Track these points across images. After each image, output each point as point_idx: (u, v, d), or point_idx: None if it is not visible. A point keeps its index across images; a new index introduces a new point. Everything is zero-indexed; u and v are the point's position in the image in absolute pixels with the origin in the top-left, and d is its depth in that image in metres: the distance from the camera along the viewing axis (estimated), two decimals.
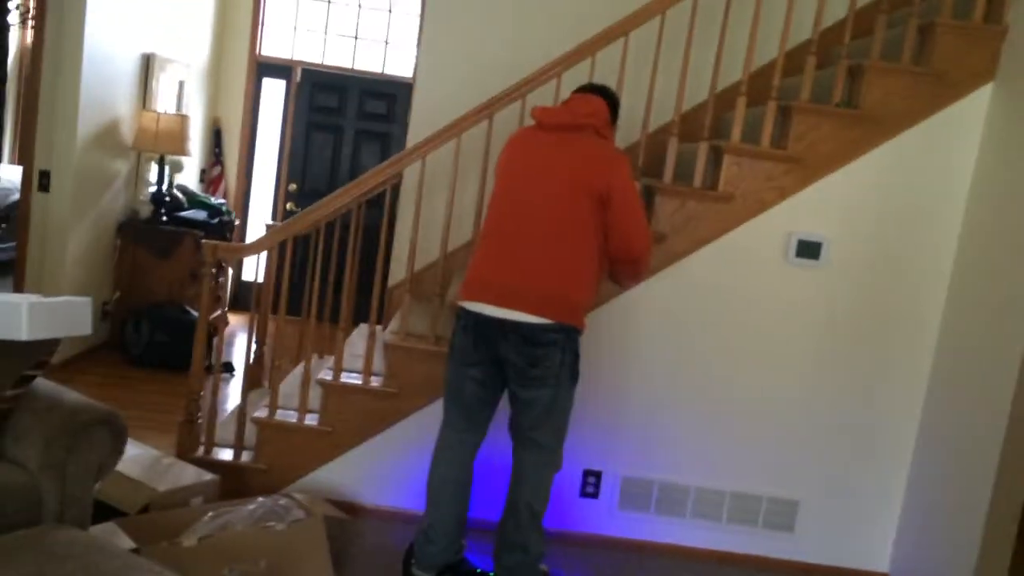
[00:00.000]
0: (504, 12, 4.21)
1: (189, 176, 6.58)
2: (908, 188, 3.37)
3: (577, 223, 2.79)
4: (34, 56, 4.55)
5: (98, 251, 5.12)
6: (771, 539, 3.55)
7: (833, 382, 3.48)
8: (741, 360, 3.46)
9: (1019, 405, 2.94)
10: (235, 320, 6.32)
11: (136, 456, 3.19)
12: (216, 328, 5.24)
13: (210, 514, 2.86)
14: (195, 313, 5.04)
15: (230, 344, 5.82)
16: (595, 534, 3.54)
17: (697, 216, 3.36)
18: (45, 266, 4.72)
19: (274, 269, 3.68)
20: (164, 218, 5.40)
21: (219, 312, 5.24)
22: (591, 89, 2.94)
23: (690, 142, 3.54)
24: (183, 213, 5.53)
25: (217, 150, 6.89)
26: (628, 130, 3.83)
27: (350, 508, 3.47)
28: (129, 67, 5.15)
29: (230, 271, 6.32)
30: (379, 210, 3.58)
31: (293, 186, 6.80)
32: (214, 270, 3.39)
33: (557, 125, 2.84)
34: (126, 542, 2.55)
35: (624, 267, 2.94)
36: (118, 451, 2.56)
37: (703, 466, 3.52)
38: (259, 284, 3.83)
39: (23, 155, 4.64)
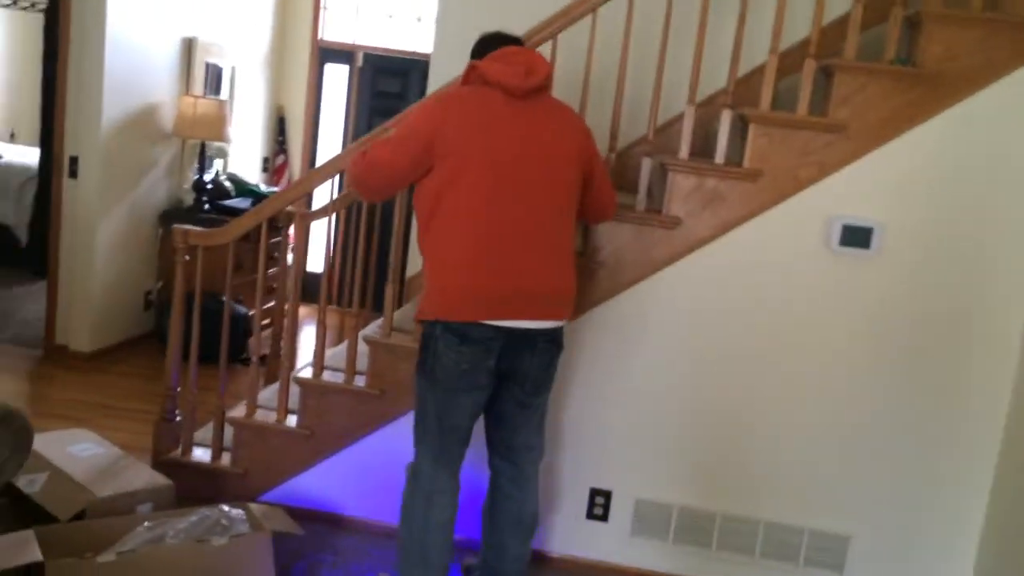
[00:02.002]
0: None
1: (252, 165, 6.48)
2: (980, 161, 2.76)
3: (572, 202, 2.49)
4: (60, 40, 4.47)
5: (138, 239, 5.03)
6: None
7: (891, 394, 2.90)
8: (776, 367, 2.93)
9: None
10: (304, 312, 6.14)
11: (94, 456, 2.98)
12: (248, 320, 5.08)
13: (146, 524, 2.60)
14: (234, 304, 4.89)
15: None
16: (602, 562, 3.10)
17: (719, 197, 2.86)
18: (76, 254, 4.65)
19: (264, 254, 3.40)
20: (206, 206, 5.27)
21: (271, 304, 5.05)
22: (515, 40, 2.58)
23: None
24: (228, 202, 5.38)
25: (281, 138, 6.77)
26: (637, 96, 3.37)
27: (331, 519, 3.17)
28: (168, 51, 5.02)
29: (289, 258, 6.17)
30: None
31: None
32: (187, 256, 3.14)
33: (529, 90, 2.41)
34: (33, 554, 2.31)
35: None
36: (21, 453, 2.33)
37: (732, 490, 3.02)
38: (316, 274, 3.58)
39: (47, 140, 4.58)
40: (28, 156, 6.90)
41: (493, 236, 2.36)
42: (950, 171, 2.77)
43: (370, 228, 3.47)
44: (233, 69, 5.83)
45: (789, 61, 3.31)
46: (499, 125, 2.37)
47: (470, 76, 2.47)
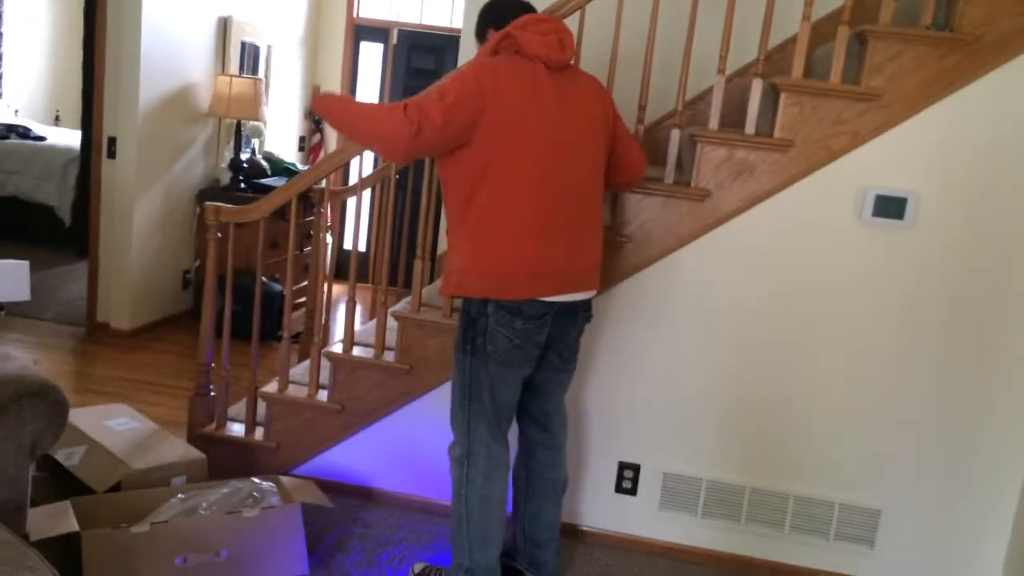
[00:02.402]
0: None
1: (289, 144, 6.53)
2: (1019, 129, 2.67)
3: (603, 172, 2.51)
4: (98, 22, 4.53)
5: (176, 218, 5.10)
6: (845, 554, 2.98)
7: (926, 367, 2.85)
8: (807, 341, 2.89)
9: None
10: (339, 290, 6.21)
11: (131, 429, 3.05)
12: (283, 298, 5.12)
13: (179, 496, 2.66)
14: (270, 283, 4.95)
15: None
16: (631, 535, 3.09)
17: (749, 168, 2.81)
18: (115, 233, 4.73)
19: (293, 234, 3.43)
20: (243, 185, 5.32)
21: (304, 283, 5.10)
22: (530, 6, 2.53)
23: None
24: (264, 180, 5.43)
25: (316, 117, 6.80)
26: (667, 68, 3.32)
27: (362, 493, 3.21)
28: (204, 31, 5.07)
29: (328, 240, 6.23)
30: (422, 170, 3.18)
31: None
32: (220, 233, 3.18)
33: (565, 62, 2.40)
34: (70, 524, 2.38)
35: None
36: (57, 426, 2.37)
37: (762, 463, 2.99)
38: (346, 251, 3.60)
39: (88, 122, 4.65)
40: (71, 139, 7.03)
41: (546, 210, 2.33)
42: (987, 139, 2.69)
43: (401, 205, 3.47)
44: (269, 48, 5.86)
45: (823, 29, 3.25)
46: (545, 98, 2.33)
47: (503, 45, 2.38)
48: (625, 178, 2.67)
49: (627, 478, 3.07)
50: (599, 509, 3.10)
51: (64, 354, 4.55)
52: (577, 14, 2.90)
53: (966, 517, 2.91)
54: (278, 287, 5.08)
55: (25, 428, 2.31)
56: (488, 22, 2.54)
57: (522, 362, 2.43)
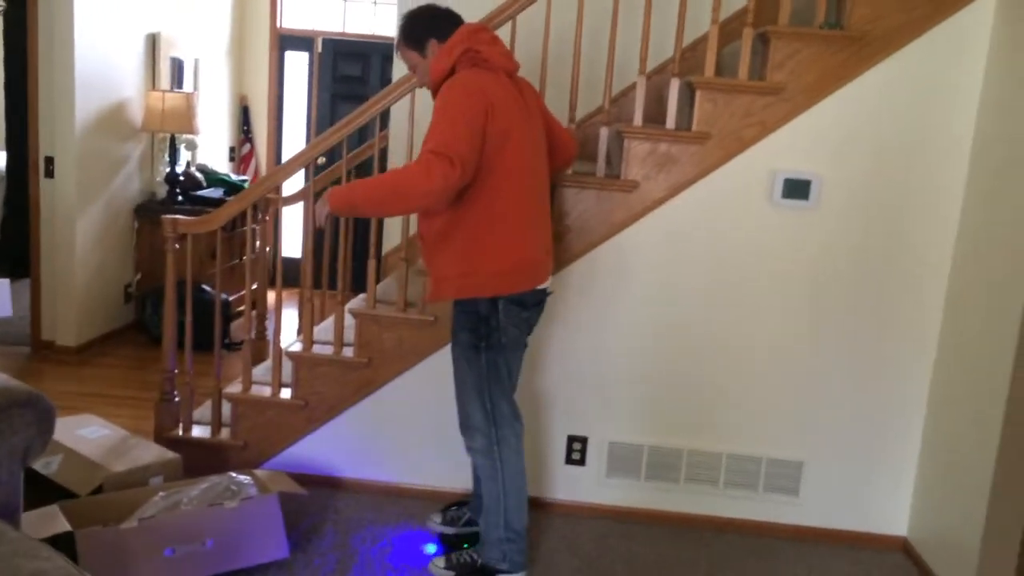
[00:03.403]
0: None
1: (219, 155, 6.61)
2: (907, 114, 3.02)
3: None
4: (29, 43, 4.57)
5: (115, 234, 5.17)
6: (774, 504, 3.30)
7: (834, 333, 3.18)
8: (731, 313, 3.19)
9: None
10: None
11: (103, 436, 3.18)
12: (228, 306, 5.25)
13: (161, 494, 2.81)
14: (211, 291, 5.06)
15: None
16: (583, 503, 3.36)
17: (671, 160, 3.10)
18: (57, 252, 4.78)
19: (251, 239, 3.59)
20: (180, 198, 5.41)
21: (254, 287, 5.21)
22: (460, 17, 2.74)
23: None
24: (200, 192, 5.53)
25: (245, 127, 6.90)
26: (592, 70, 3.59)
27: (329, 482, 3.40)
28: (133, 48, 5.14)
29: (267, 249, 6.33)
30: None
31: (322, 159, 6.73)
32: (177, 245, 3.32)
33: (516, 70, 2.69)
34: (61, 525, 2.52)
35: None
36: (45, 432, 2.50)
37: (696, 427, 3.29)
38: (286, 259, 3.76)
39: (17, 140, 4.69)
40: None
41: (531, 207, 2.61)
42: (877, 125, 3.03)
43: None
44: (196, 61, 5.95)
45: (730, 28, 3.55)
46: (519, 104, 2.59)
47: (464, 59, 2.54)
48: (562, 160, 2.93)
49: (576, 450, 3.33)
50: (553, 481, 3.36)
51: (13, 374, 4.58)
52: (509, 23, 3.13)
53: (877, 463, 3.25)
54: (222, 295, 5.18)
55: (16, 435, 2.43)
56: (430, 32, 2.65)
57: (523, 345, 2.74)
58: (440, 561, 2.87)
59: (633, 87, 3.35)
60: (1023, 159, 2.69)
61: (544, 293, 2.70)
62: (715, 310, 3.20)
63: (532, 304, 2.67)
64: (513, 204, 2.56)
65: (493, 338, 2.62)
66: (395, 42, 2.76)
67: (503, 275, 2.58)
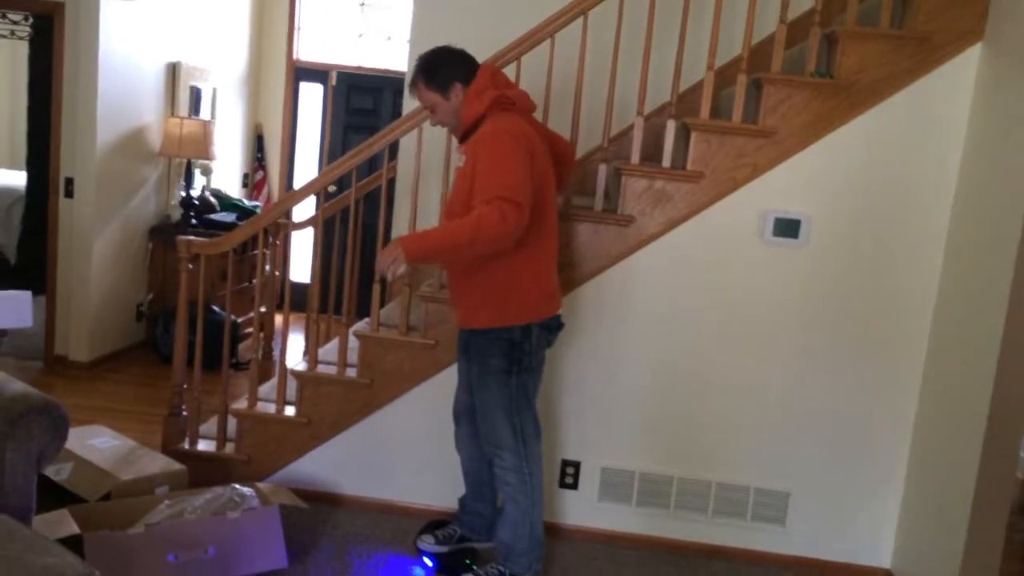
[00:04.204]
0: (491, 3, 4.15)
1: (233, 181, 6.78)
2: (893, 159, 3.16)
3: None
4: (55, 69, 4.76)
5: (129, 254, 5.32)
6: (761, 532, 3.39)
7: (821, 367, 3.29)
8: (721, 345, 3.31)
9: (1001, 386, 2.72)
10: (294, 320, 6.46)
11: (112, 447, 3.30)
12: (236, 327, 5.38)
13: (166, 503, 2.92)
14: (220, 312, 5.19)
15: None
16: (575, 526, 3.45)
17: (666, 197, 3.24)
18: (73, 269, 4.94)
19: (262, 264, 3.73)
20: (193, 221, 5.57)
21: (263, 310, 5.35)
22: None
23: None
24: (213, 216, 5.69)
25: (259, 155, 7.08)
26: (593, 110, 3.74)
27: (329, 498, 3.50)
28: (154, 76, 5.34)
29: (276, 273, 6.49)
30: (376, 206, 3.56)
31: (332, 187, 6.91)
32: (191, 265, 3.46)
33: (535, 110, 2.88)
34: (71, 527, 2.63)
35: None
36: (60, 439, 2.62)
37: (687, 456, 3.39)
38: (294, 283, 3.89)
39: (39, 161, 4.84)
40: (12, 179, 7.14)
41: (555, 242, 2.86)
42: (864, 169, 3.17)
43: (353, 237, 3.81)
44: (214, 90, 6.14)
45: (726, 74, 3.71)
46: (543, 147, 2.78)
47: (496, 104, 2.69)
48: (567, 168, 3.06)
49: (569, 474, 3.44)
50: (546, 504, 3.44)
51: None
52: (515, 63, 3.29)
53: (862, 496, 3.35)
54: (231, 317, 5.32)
55: (33, 441, 2.56)
56: (455, 76, 2.76)
57: (539, 369, 2.88)
58: None
59: (631, 127, 3.49)
60: (1005, 201, 2.82)
61: (557, 321, 2.88)
62: (705, 343, 3.31)
63: (556, 328, 2.88)
64: (546, 240, 2.78)
65: (525, 362, 2.78)
66: (410, 79, 2.85)
67: (535, 304, 2.79)
